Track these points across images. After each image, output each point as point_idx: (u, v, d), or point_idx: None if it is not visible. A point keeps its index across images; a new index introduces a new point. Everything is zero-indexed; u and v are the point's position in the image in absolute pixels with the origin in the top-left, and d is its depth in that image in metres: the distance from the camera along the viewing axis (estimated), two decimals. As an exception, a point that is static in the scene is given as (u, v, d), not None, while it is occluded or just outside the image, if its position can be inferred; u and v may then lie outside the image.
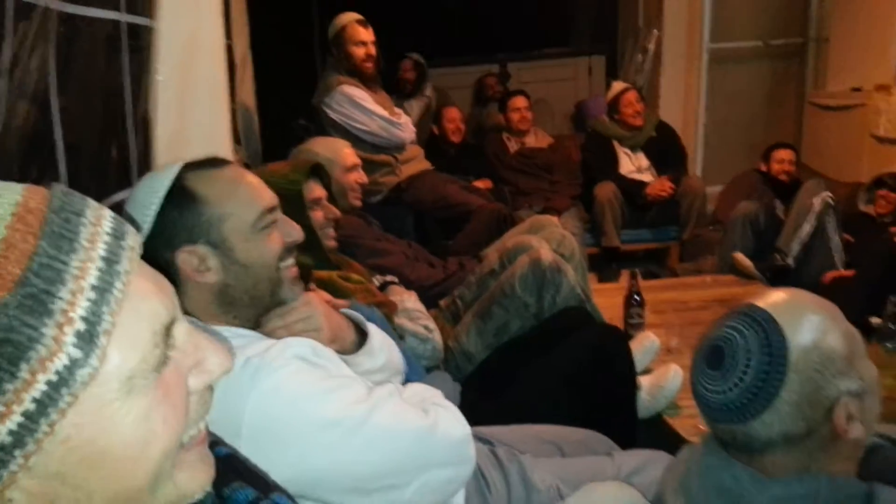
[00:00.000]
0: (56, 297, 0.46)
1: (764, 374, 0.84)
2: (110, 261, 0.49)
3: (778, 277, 3.01)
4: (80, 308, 0.46)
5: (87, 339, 0.46)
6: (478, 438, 1.30)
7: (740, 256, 3.18)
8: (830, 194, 3.04)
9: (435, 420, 1.05)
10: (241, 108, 3.09)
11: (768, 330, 0.85)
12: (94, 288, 0.47)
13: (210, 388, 0.57)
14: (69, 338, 0.46)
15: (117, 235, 0.51)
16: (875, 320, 2.12)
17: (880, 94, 3.68)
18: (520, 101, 4.13)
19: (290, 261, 1.10)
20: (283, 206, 1.11)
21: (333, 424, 0.95)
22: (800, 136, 4.58)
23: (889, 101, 3.55)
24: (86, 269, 0.47)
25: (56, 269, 0.46)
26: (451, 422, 1.09)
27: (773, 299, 0.90)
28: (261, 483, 0.70)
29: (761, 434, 0.85)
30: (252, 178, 1.09)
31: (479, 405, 1.58)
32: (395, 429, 1.00)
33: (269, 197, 1.08)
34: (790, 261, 3.06)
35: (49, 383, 0.46)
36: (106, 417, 0.49)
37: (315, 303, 1.12)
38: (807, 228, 3.04)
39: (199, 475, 0.56)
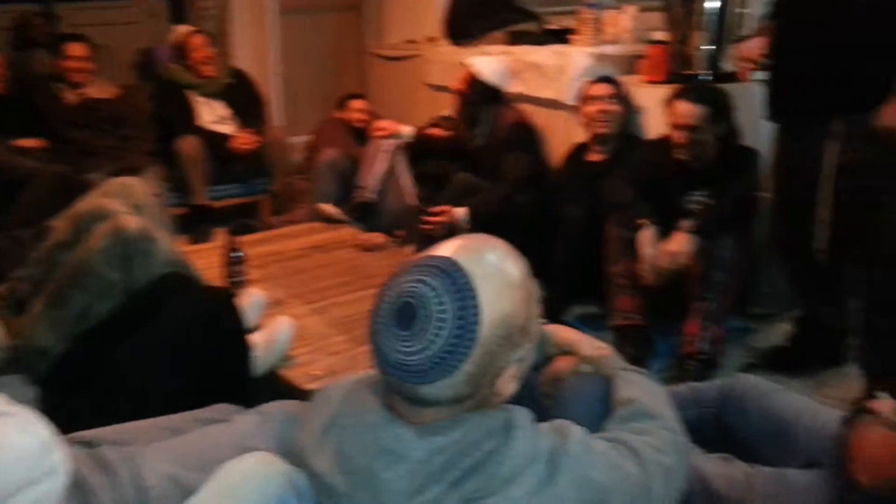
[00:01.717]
0: None
1: (452, 346, 0.82)
2: None
3: (362, 212, 3.25)
4: None
5: None
6: (75, 443, 1.09)
7: (324, 206, 3.31)
8: (404, 135, 3.32)
9: None
10: None
11: (465, 297, 0.82)
12: None
13: None
14: None
15: None
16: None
17: (430, 45, 4.12)
18: (76, 49, 3.55)
19: None
20: None
21: None
22: (366, 85, 4.92)
23: (438, 51, 4.00)
24: None
25: None
26: (14, 432, 0.87)
27: (468, 256, 0.86)
28: None
29: (431, 394, 0.84)
30: None
31: (69, 405, 1.33)
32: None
33: None
34: (370, 195, 3.29)
35: None
36: None
37: None
38: (382, 166, 3.30)
39: None
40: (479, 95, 2.91)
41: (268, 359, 1.81)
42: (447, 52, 3.89)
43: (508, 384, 0.88)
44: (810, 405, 1.47)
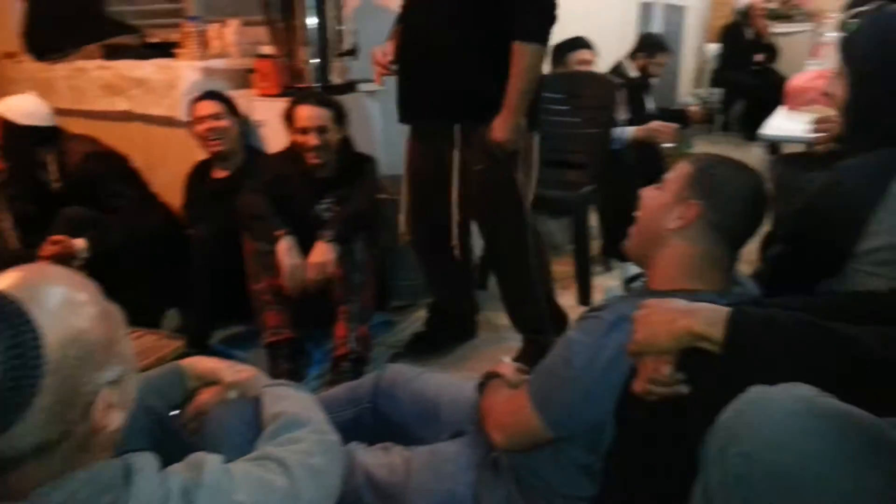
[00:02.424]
0: None
1: (14, 378, 0.68)
2: None
3: None
4: None
5: None
6: None
7: None
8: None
9: None
10: None
11: (17, 324, 0.69)
12: None
13: None
14: None
15: None
16: None
17: (10, 61, 3.58)
18: None
19: None
20: None
21: None
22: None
23: (20, 68, 3.49)
24: None
25: None
26: None
27: (15, 283, 0.74)
28: None
29: (9, 449, 0.70)
30: None
31: None
32: None
33: None
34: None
35: None
36: None
37: None
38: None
39: None
40: (27, 141, 2.51)
41: None
42: (32, 68, 3.42)
43: (108, 414, 0.79)
44: (450, 380, 1.62)
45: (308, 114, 2.39)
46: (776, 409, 0.71)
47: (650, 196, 1.23)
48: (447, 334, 2.61)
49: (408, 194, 2.43)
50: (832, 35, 3.43)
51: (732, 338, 0.89)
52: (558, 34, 3.36)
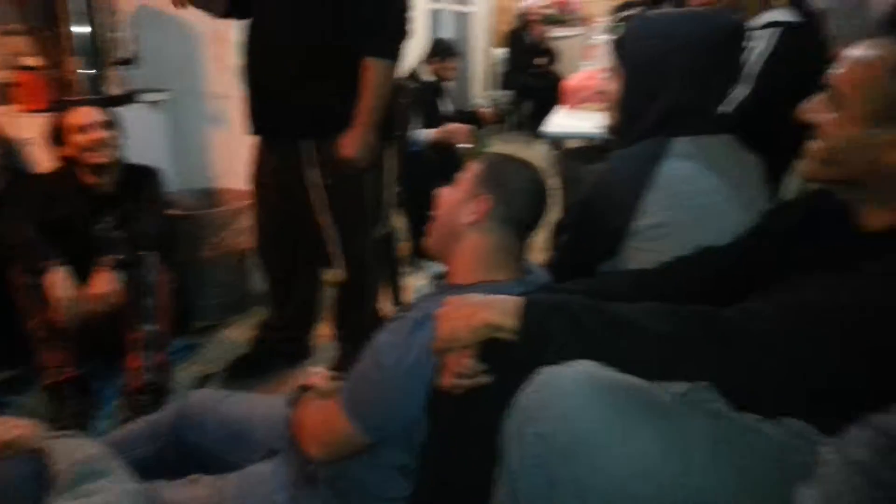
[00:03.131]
0: None
1: None
2: None
3: None
4: None
5: None
6: None
7: None
8: None
9: None
10: None
11: None
12: None
13: None
14: None
15: None
16: None
17: None
18: None
19: None
20: None
21: None
22: None
23: None
24: None
25: None
26: None
27: None
28: None
29: None
30: None
31: None
32: None
33: None
34: None
35: None
36: None
37: None
38: None
39: None
40: None
41: None
42: None
43: None
44: (261, 400, 1.55)
45: (84, 111, 2.22)
46: (563, 386, 0.75)
47: (445, 194, 1.27)
48: (277, 355, 2.48)
49: (257, 207, 2.32)
50: (602, 38, 3.75)
51: (525, 325, 0.93)
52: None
